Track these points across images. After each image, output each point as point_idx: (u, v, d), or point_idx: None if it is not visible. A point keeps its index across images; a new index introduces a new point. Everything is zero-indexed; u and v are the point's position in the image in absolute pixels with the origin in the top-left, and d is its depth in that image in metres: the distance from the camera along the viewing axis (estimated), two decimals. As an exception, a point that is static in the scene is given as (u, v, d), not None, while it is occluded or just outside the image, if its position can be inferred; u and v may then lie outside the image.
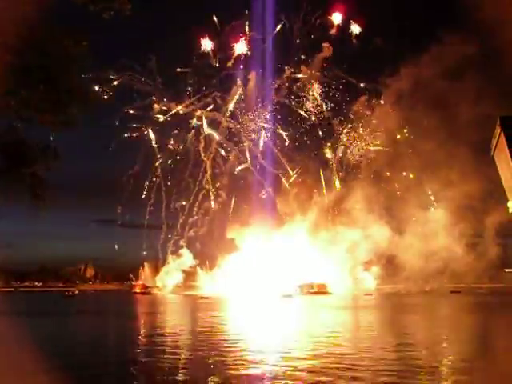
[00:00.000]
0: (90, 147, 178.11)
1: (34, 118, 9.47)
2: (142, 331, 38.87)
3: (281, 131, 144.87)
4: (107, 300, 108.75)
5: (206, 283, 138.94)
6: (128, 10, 9.73)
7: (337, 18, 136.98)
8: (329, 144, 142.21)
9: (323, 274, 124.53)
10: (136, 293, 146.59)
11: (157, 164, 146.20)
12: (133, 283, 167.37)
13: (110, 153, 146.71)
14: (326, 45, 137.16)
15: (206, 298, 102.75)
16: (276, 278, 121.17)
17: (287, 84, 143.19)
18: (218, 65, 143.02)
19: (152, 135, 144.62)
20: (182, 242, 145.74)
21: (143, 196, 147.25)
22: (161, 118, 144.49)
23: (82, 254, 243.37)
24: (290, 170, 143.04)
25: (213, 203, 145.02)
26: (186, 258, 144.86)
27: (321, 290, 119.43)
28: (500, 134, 15.55)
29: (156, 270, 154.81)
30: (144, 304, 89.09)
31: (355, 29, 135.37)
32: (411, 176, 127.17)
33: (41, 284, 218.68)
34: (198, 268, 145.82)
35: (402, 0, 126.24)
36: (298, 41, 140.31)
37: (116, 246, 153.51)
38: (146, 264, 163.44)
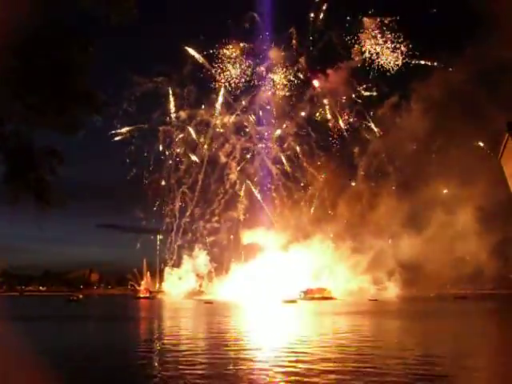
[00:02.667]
0: (96, 152, 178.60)
1: (39, 122, 9.45)
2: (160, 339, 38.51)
3: (310, 136, 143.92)
4: (114, 305, 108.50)
5: (216, 288, 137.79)
6: (135, 16, 9.74)
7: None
8: (356, 150, 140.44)
9: (333, 280, 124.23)
10: (140, 298, 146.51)
11: (183, 167, 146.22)
12: (137, 288, 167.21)
13: (116, 158, 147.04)
14: (356, 50, 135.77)
15: (210, 303, 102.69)
16: (284, 284, 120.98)
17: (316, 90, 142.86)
18: (248, 71, 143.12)
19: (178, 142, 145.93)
20: (197, 247, 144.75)
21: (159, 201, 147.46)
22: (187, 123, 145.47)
23: (87, 258, 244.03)
24: (317, 176, 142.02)
25: (240, 213, 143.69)
26: (202, 261, 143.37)
27: (324, 296, 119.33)
28: (508, 139, 15.37)
29: (160, 274, 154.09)
30: (150, 309, 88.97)
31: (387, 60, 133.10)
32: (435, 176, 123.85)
33: (45, 288, 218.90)
34: (204, 274, 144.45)
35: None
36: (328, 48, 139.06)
37: (138, 245, 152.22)
38: (147, 269, 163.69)
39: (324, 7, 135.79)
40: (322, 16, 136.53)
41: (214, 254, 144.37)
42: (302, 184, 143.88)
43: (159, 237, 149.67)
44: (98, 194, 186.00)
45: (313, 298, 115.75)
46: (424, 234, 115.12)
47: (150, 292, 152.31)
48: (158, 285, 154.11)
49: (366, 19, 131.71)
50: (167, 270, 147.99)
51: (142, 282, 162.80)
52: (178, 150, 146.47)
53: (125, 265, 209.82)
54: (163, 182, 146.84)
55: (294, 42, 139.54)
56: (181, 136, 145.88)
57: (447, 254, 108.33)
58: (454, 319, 54.46)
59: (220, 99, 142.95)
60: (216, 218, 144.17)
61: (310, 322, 52.82)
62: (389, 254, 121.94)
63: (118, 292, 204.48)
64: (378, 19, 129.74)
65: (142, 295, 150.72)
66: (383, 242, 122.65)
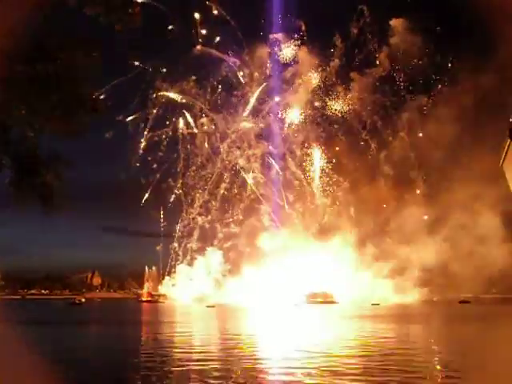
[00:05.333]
0: (99, 154, 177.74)
1: (44, 127, 9.58)
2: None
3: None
4: (117, 309, 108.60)
5: (223, 292, 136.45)
6: (139, 22, 9.86)
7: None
8: (382, 156, 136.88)
9: (343, 283, 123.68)
10: (142, 301, 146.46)
11: (204, 172, 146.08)
12: (139, 292, 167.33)
13: (120, 160, 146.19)
14: (383, 56, 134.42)
15: (212, 306, 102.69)
16: (290, 288, 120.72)
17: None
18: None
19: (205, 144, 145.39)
20: (211, 248, 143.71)
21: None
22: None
23: (89, 261, 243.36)
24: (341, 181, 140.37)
25: (263, 217, 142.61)
26: (216, 262, 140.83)
27: (326, 300, 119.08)
28: (509, 145, 15.39)
29: (162, 278, 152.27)
30: (146, 314, 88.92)
31: None
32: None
33: (47, 292, 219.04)
34: (217, 276, 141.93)
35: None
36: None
37: (158, 247, 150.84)
38: (150, 272, 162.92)
39: (366, 13, 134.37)
40: (360, 23, 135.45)
41: (230, 258, 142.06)
42: (325, 189, 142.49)
43: (175, 244, 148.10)
44: (103, 197, 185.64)
45: (315, 302, 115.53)
46: (447, 240, 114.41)
47: (152, 296, 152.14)
48: (169, 287, 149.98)
49: (394, 22, 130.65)
50: (179, 267, 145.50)
51: (145, 286, 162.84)
52: (199, 158, 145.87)
53: (128, 268, 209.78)
54: (178, 186, 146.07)
55: (337, 48, 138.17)
56: (203, 141, 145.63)
57: (470, 259, 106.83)
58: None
59: (250, 103, 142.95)
60: (235, 222, 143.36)
61: (315, 327, 52.73)
62: (411, 260, 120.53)
63: (120, 295, 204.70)
64: (407, 21, 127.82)
65: (144, 299, 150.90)
66: (406, 248, 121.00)
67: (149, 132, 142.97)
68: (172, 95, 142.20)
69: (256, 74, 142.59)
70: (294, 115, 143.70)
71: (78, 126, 9.66)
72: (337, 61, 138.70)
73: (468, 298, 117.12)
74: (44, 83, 9.01)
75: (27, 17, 8.96)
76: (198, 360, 24.95)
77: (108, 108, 11.10)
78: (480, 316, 66.97)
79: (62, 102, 9.11)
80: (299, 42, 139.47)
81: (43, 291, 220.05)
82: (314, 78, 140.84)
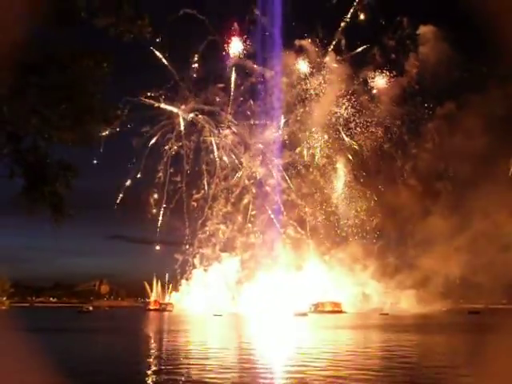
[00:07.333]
0: (104, 162, 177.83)
1: (54, 137, 9.72)
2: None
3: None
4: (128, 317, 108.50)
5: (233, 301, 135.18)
6: (148, 33, 9.97)
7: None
8: (407, 166, 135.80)
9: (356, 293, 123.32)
10: (150, 309, 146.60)
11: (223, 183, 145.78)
12: (147, 300, 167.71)
13: (125, 168, 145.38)
14: (411, 65, 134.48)
15: (220, 315, 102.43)
16: (302, 297, 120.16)
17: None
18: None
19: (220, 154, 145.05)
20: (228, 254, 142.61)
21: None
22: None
23: (97, 270, 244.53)
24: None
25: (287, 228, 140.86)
26: (231, 269, 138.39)
27: (335, 309, 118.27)
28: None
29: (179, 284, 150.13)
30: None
31: None
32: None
33: (55, 299, 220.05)
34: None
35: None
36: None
37: (177, 255, 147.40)
38: (156, 280, 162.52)
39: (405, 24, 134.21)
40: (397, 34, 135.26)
41: (247, 266, 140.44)
42: (348, 199, 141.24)
43: (193, 252, 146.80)
44: (110, 205, 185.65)
45: (323, 312, 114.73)
46: (470, 251, 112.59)
47: (160, 304, 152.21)
48: (184, 295, 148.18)
49: (423, 29, 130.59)
50: (195, 273, 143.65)
51: (152, 294, 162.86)
52: (222, 168, 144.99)
53: (135, 277, 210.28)
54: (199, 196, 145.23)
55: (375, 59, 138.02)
56: (226, 152, 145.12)
57: (492, 268, 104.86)
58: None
59: (275, 112, 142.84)
60: (255, 233, 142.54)
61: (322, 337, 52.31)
62: (433, 270, 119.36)
63: (127, 304, 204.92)
64: (436, 29, 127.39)
65: (151, 307, 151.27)
66: (428, 259, 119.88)
67: (173, 143, 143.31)
68: (197, 106, 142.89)
69: (284, 82, 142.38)
70: (319, 124, 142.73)
71: (87, 135, 9.80)
72: (367, 72, 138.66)
73: (478, 308, 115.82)
74: (54, 93, 9.17)
75: (38, 27, 9.15)
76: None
77: (118, 117, 11.20)
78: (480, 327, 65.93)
79: (72, 112, 9.26)
80: (326, 50, 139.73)
81: (51, 299, 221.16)
82: (340, 107, 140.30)
